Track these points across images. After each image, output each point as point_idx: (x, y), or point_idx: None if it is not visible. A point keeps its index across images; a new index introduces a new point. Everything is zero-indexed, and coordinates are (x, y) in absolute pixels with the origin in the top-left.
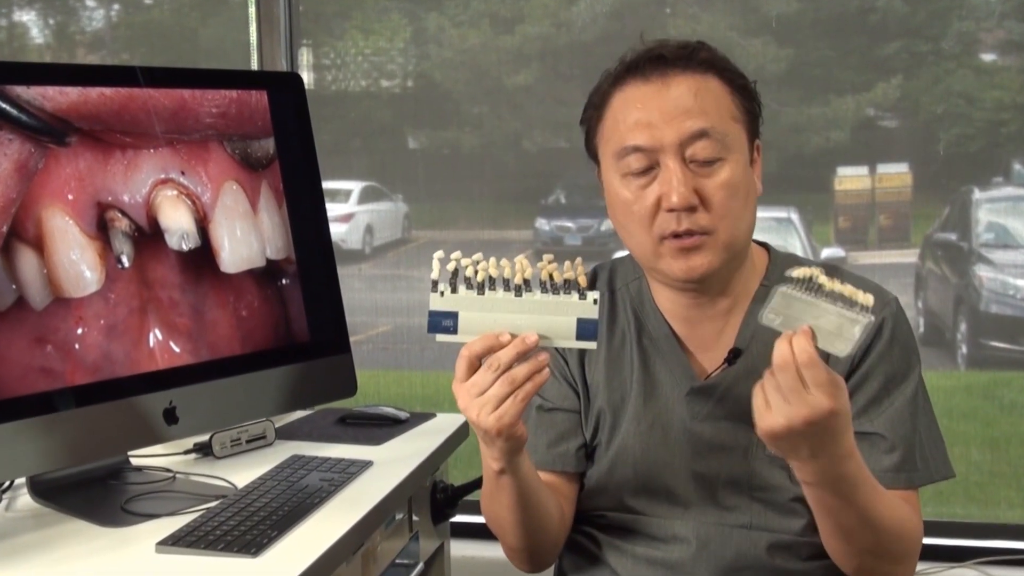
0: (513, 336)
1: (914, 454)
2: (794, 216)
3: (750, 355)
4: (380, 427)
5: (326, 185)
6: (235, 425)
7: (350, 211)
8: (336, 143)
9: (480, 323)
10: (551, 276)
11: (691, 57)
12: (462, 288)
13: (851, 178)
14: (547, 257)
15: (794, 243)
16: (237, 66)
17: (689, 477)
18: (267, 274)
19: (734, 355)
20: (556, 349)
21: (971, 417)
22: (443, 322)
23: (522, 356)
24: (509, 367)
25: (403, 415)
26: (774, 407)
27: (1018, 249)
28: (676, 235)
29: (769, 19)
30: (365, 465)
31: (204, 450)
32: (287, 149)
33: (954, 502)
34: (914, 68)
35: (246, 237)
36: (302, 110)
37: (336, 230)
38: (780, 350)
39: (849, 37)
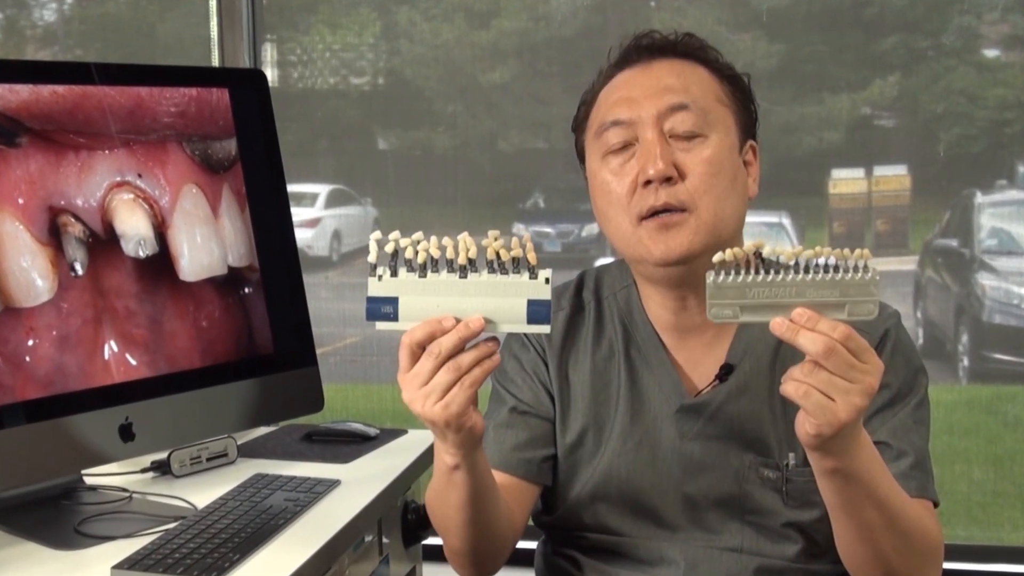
0: (458, 320)
1: (925, 463)
2: (786, 221)
3: (743, 372)
4: (348, 444)
5: (291, 188)
6: (195, 442)
7: (316, 216)
8: (302, 144)
9: (422, 308)
10: (498, 255)
11: (677, 46)
12: (402, 271)
13: (846, 181)
14: (492, 234)
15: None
16: (197, 62)
17: (677, 499)
18: (229, 282)
19: (726, 371)
20: (536, 354)
21: (973, 433)
22: (382, 308)
23: (466, 342)
24: (453, 354)
25: (372, 431)
26: (839, 396)
27: (1023, 256)
28: (654, 212)
29: (759, 12)
30: (332, 484)
31: (162, 468)
32: (250, 150)
33: (955, 523)
34: (912, 64)
35: (206, 243)
36: (266, 109)
37: (302, 236)
38: (810, 338)
39: (844, 32)
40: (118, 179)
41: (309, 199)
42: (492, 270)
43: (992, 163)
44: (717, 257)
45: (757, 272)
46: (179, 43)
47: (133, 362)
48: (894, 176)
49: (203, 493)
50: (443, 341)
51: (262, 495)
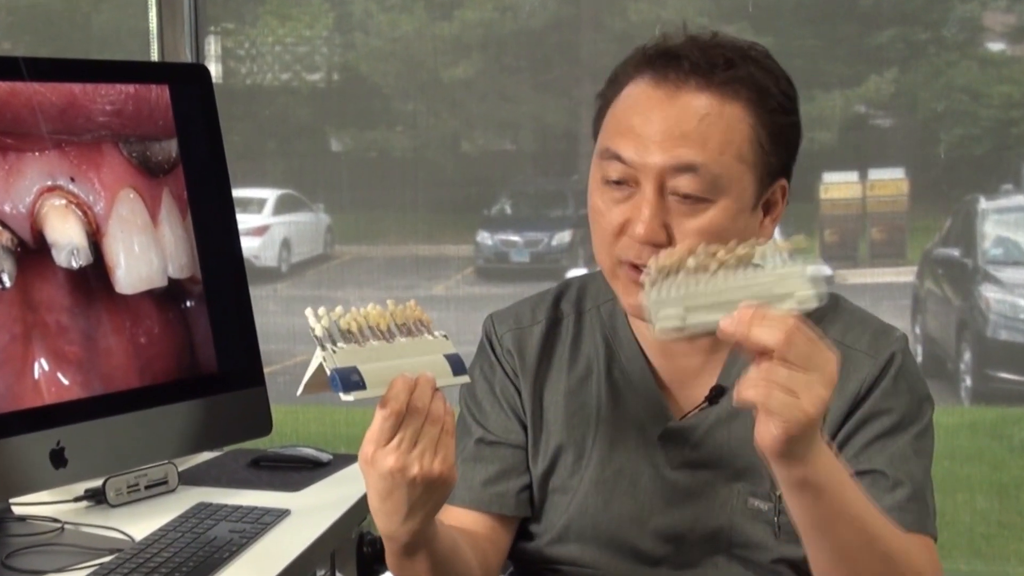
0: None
1: (924, 496)
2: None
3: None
4: (299, 471)
5: (237, 194)
6: (132, 468)
7: (264, 223)
8: (248, 145)
9: (381, 373)
10: (401, 320)
11: (715, 72)
12: (341, 343)
13: (838, 185)
14: (390, 302)
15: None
16: (135, 56)
17: (659, 532)
18: (169, 295)
19: (717, 393)
20: (506, 375)
21: (976, 459)
22: (351, 377)
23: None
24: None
25: (325, 457)
26: (803, 390)
27: None
28: (634, 266)
29: (745, 2)
30: (281, 514)
31: (97, 497)
32: (192, 152)
33: (957, 556)
34: (911, 59)
35: (145, 253)
36: (209, 107)
37: (248, 245)
38: (766, 329)
39: (837, 24)
40: (49, 183)
41: (256, 205)
42: (404, 333)
43: (997, 166)
44: (651, 264)
45: (696, 276)
46: (115, 36)
47: (65, 382)
48: (891, 180)
49: (141, 524)
50: (420, 396)
51: (205, 526)
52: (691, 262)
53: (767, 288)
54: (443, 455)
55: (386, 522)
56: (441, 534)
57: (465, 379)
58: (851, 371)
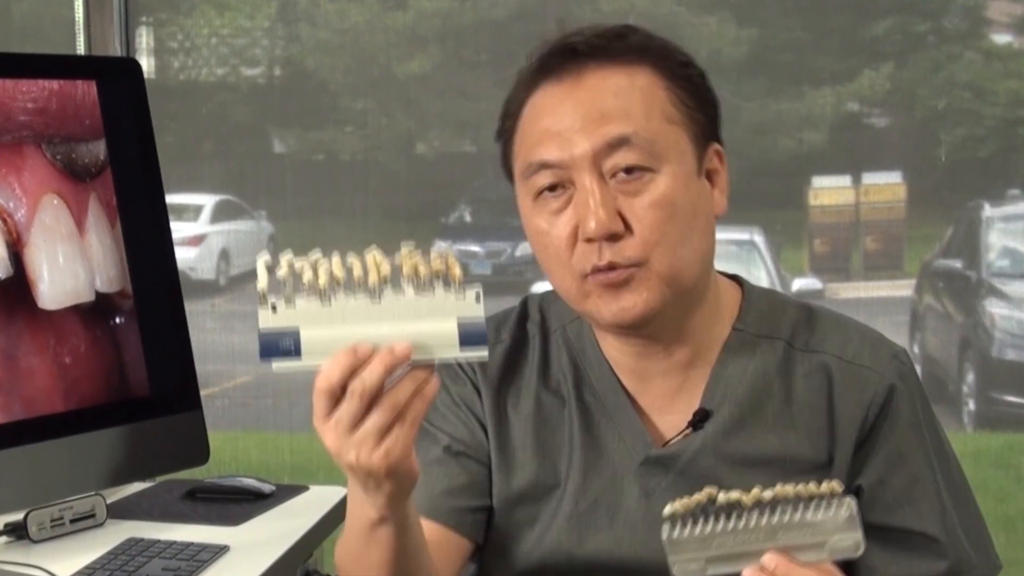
0: (376, 349)
1: (967, 542)
2: (758, 238)
3: (721, 418)
4: (238, 503)
5: (171, 200)
6: (57, 501)
7: (201, 232)
8: (183, 147)
9: (331, 340)
10: (416, 270)
11: (611, 46)
12: (301, 299)
13: (829, 190)
14: (406, 247)
15: (758, 273)
16: (59, 49)
17: (641, 569)
18: (97, 311)
19: (701, 418)
20: (469, 379)
21: (981, 490)
22: (280, 343)
23: (392, 372)
24: (379, 388)
25: (267, 488)
26: None
27: None
28: (599, 269)
29: None
30: (219, 551)
31: (18, 532)
32: (122, 154)
33: None
34: (909, 52)
35: (70, 265)
36: (140, 105)
37: (183, 256)
38: None
39: (828, 14)
40: None
41: (192, 212)
42: (411, 289)
43: (1003, 169)
44: (668, 510)
45: (716, 519)
46: (38, 26)
47: None
48: (886, 185)
49: (66, 561)
50: (366, 375)
51: (136, 563)
52: (721, 498)
53: (798, 538)
54: (388, 447)
55: (349, 488)
56: (409, 523)
57: (479, 353)
58: (857, 389)
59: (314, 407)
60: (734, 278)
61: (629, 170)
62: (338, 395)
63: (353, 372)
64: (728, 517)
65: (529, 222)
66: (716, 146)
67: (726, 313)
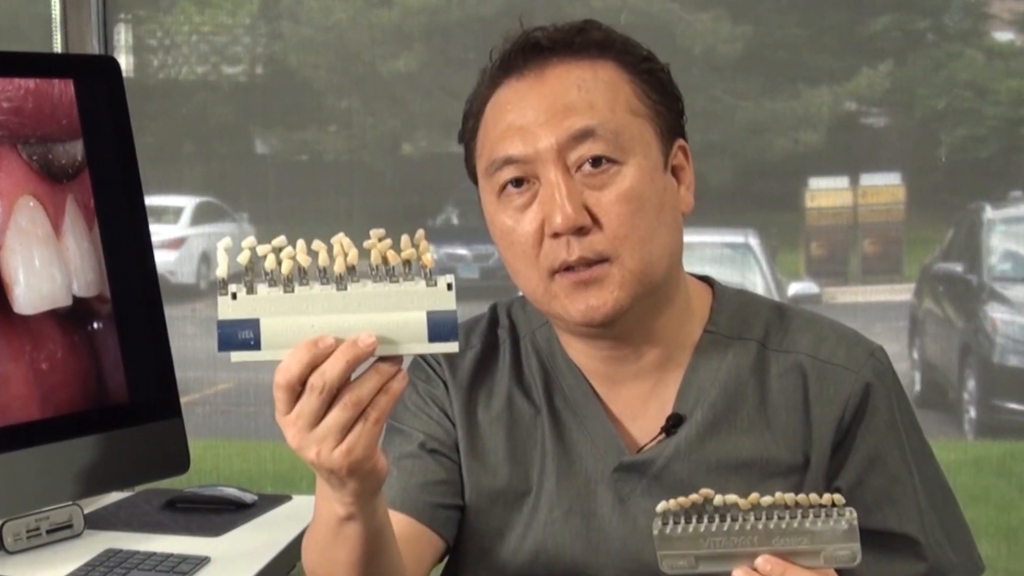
0: (339, 342)
1: (946, 541)
2: (753, 241)
3: (694, 422)
4: (220, 513)
5: (150, 201)
6: (33, 511)
7: (181, 235)
8: (163, 147)
9: (292, 331)
10: (384, 258)
11: (574, 41)
12: (262, 286)
13: (826, 192)
14: (376, 233)
15: (754, 277)
16: (35, 47)
17: (619, 574)
18: (74, 316)
19: (674, 423)
20: (440, 380)
21: (982, 500)
22: (239, 334)
23: (356, 366)
24: (342, 382)
25: (249, 498)
26: None
27: None
28: (568, 267)
29: None
30: (200, 562)
31: None
32: (100, 155)
33: None
34: (908, 50)
35: (47, 268)
36: (119, 104)
37: (163, 259)
38: None
39: (825, 11)
40: None
41: (172, 214)
42: (378, 278)
43: (1004, 171)
44: (661, 507)
45: (711, 520)
46: (13, 24)
47: None
48: (885, 186)
49: (42, 572)
50: (327, 369)
51: (115, 575)
52: (717, 500)
53: (794, 543)
54: (349, 445)
55: (317, 483)
56: (378, 519)
57: (448, 347)
58: (832, 389)
59: (275, 401)
60: (704, 279)
61: (595, 161)
62: (298, 390)
63: (313, 366)
64: (723, 519)
65: (494, 220)
66: (681, 142)
67: (697, 314)
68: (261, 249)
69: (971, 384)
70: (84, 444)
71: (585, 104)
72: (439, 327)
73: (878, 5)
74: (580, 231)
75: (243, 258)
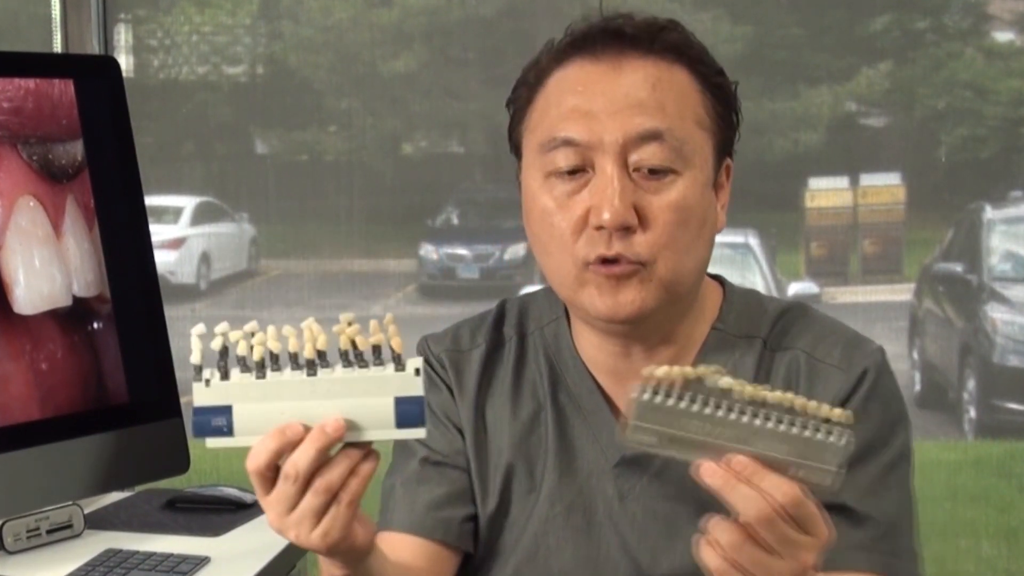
0: (308, 428)
1: (896, 534)
2: (753, 241)
3: None
4: (219, 513)
5: (150, 202)
6: (33, 511)
7: (181, 235)
8: (163, 147)
9: (263, 417)
10: (353, 343)
11: (656, 38)
12: (235, 372)
13: (826, 192)
14: (345, 318)
15: (753, 277)
16: (36, 47)
17: (617, 570)
18: (74, 316)
19: None
20: (444, 385)
21: (982, 500)
22: (213, 421)
23: (326, 452)
24: (313, 469)
25: (249, 498)
26: (764, 574)
27: None
28: (604, 260)
29: None
30: (200, 562)
31: None
32: (100, 155)
33: None
34: (908, 50)
35: (47, 268)
36: (119, 104)
37: (163, 259)
38: (748, 497)
39: (824, 11)
40: None
41: (172, 214)
42: (348, 363)
43: (1004, 171)
44: (647, 371)
45: (694, 401)
46: (13, 24)
47: None
48: (885, 187)
49: (42, 572)
50: (297, 459)
51: (115, 575)
52: (710, 380)
53: (771, 448)
54: (325, 529)
55: None
56: (379, 572)
57: (416, 433)
58: (821, 387)
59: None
60: (716, 278)
61: (655, 171)
62: (269, 476)
63: (281, 454)
64: (707, 404)
65: (535, 198)
66: (728, 162)
67: (707, 313)
68: (233, 335)
69: (971, 384)
70: (84, 444)
71: (656, 105)
72: (406, 414)
73: (878, 5)
74: (625, 230)
75: (216, 344)
